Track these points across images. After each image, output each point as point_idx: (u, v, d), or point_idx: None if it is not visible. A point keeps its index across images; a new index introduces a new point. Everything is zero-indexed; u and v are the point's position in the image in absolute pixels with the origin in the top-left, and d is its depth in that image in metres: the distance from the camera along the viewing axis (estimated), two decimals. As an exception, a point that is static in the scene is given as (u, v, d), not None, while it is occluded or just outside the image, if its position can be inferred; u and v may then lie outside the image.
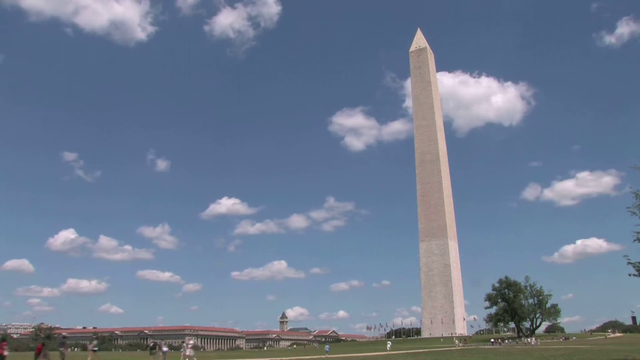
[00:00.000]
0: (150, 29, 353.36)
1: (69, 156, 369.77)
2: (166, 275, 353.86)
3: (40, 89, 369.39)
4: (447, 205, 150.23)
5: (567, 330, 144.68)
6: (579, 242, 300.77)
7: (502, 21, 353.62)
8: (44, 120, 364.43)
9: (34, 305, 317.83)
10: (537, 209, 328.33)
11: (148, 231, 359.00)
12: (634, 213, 24.09)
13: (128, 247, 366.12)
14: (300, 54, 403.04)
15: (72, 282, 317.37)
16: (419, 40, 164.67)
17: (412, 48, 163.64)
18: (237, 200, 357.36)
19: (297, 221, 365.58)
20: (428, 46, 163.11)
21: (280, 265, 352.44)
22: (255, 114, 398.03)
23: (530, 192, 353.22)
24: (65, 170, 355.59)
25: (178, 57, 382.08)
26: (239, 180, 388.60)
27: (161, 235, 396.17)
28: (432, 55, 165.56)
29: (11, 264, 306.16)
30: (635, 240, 23.95)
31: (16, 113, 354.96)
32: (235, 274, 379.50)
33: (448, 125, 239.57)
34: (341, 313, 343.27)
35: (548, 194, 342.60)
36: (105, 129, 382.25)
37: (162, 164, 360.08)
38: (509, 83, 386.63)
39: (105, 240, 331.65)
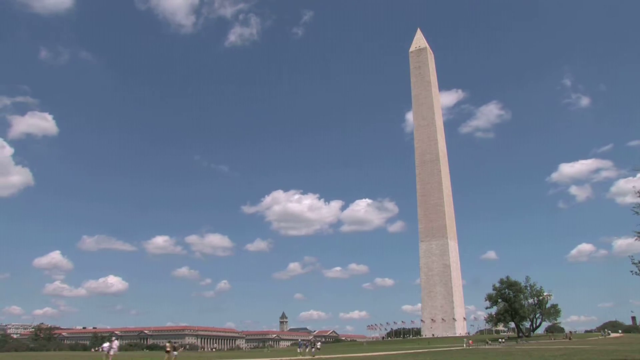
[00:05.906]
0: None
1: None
2: (201, 276, 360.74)
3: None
4: (447, 206, 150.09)
5: (566, 331, 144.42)
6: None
7: (502, 21, 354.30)
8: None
9: (60, 305, 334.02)
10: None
11: (202, 231, 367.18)
12: (637, 213, 25.29)
13: (177, 246, 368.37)
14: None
15: (102, 282, 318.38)
16: (419, 40, 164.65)
17: (412, 48, 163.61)
18: (299, 197, 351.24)
19: (352, 218, 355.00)
20: (428, 46, 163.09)
21: (315, 264, 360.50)
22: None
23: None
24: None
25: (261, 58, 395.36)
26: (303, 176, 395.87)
27: (211, 234, 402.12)
28: (432, 55, 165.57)
29: (54, 256, 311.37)
30: (635, 239, 24.72)
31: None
32: (276, 274, 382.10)
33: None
34: (363, 313, 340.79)
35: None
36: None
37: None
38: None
39: (158, 240, 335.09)
